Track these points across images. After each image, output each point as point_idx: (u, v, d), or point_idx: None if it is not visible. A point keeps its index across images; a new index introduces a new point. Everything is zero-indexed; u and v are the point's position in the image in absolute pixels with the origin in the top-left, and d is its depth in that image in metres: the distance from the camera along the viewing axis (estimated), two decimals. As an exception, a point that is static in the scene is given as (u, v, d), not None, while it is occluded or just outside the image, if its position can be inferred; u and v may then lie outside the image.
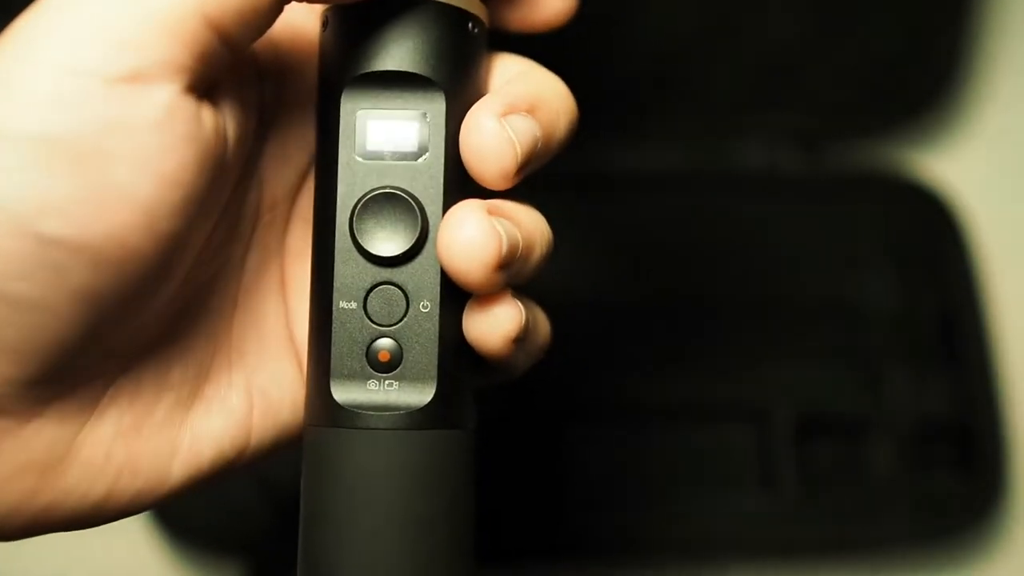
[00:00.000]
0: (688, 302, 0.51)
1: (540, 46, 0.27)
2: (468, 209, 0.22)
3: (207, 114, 0.21)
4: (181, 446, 0.24)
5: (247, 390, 0.25)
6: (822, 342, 0.50)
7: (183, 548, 0.47)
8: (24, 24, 0.20)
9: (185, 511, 0.47)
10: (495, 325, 0.23)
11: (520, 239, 0.23)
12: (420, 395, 0.23)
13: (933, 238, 0.52)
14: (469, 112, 0.23)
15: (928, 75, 0.52)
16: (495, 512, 0.47)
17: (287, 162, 0.26)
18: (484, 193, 0.24)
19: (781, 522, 0.47)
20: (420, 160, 0.23)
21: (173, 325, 0.24)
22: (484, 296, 0.24)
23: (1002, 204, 0.54)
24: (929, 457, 0.49)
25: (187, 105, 0.20)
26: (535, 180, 0.25)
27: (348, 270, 0.23)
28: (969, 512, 0.47)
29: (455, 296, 0.24)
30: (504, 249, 0.22)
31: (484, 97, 0.24)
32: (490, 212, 0.23)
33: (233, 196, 0.24)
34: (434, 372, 0.23)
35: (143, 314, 0.22)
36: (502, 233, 0.22)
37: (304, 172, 0.26)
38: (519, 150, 0.23)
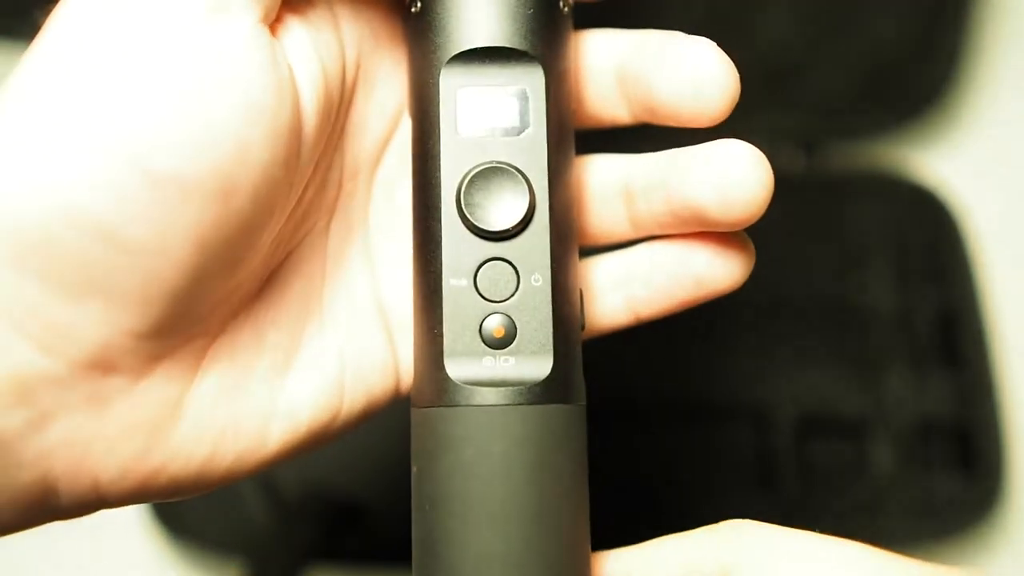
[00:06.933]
0: (688, 302, 0.51)
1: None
2: (746, 146, 0.24)
3: (279, 49, 0.22)
4: (279, 409, 0.24)
5: (339, 356, 0.26)
6: (822, 342, 0.50)
7: (183, 548, 0.47)
8: None
9: (185, 511, 0.47)
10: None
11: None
12: (538, 369, 0.23)
13: (933, 238, 0.52)
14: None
15: (927, 75, 0.52)
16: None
17: (367, 131, 0.26)
18: (571, 171, 0.25)
19: (781, 522, 0.46)
20: (523, 135, 0.24)
21: (266, 289, 0.25)
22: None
23: (1002, 204, 0.54)
24: (929, 457, 0.49)
25: (263, 35, 0.22)
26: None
27: (457, 247, 0.23)
28: (969, 512, 0.47)
29: (565, 267, 0.24)
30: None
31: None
32: None
33: (318, 163, 0.25)
34: (550, 345, 0.23)
35: (242, 266, 0.23)
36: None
37: (384, 141, 0.27)
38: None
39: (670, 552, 0.23)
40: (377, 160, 0.27)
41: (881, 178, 0.54)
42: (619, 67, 0.26)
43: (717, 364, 0.50)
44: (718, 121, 0.25)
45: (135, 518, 0.48)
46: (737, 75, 0.24)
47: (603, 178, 0.27)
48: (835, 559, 0.22)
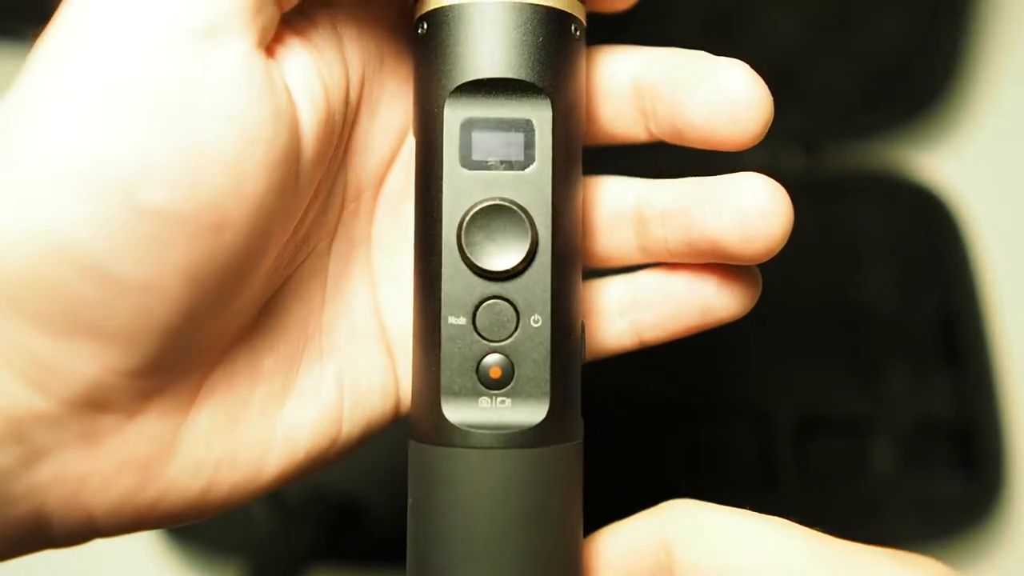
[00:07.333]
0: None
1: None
2: (768, 182, 0.24)
3: (277, 73, 0.21)
4: (276, 437, 0.24)
5: (338, 380, 0.25)
6: (822, 342, 0.50)
7: (183, 548, 0.47)
8: None
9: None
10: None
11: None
12: (533, 413, 0.23)
13: (933, 238, 0.52)
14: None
15: (928, 75, 0.52)
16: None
17: (371, 150, 0.26)
18: (577, 206, 0.24)
19: (781, 522, 0.47)
20: (527, 170, 0.23)
21: (264, 316, 0.24)
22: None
23: (1002, 204, 0.54)
24: (929, 457, 0.49)
25: (259, 60, 0.21)
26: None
27: (456, 284, 0.23)
28: (969, 512, 0.47)
29: (567, 307, 0.23)
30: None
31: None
32: None
33: (320, 185, 0.24)
34: (547, 388, 0.23)
35: (238, 298, 0.22)
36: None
37: (388, 160, 0.26)
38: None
39: (616, 533, 0.24)
40: (382, 178, 0.26)
41: (881, 178, 0.54)
42: (638, 85, 0.25)
43: (717, 364, 0.50)
44: (752, 145, 0.24)
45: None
46: (771, 98, 0.23)
47: (615, 202, 0.26)
48: (762, 531, 0.23)
